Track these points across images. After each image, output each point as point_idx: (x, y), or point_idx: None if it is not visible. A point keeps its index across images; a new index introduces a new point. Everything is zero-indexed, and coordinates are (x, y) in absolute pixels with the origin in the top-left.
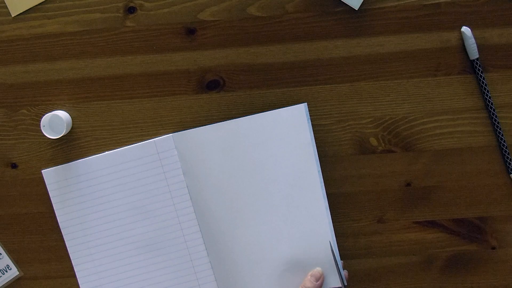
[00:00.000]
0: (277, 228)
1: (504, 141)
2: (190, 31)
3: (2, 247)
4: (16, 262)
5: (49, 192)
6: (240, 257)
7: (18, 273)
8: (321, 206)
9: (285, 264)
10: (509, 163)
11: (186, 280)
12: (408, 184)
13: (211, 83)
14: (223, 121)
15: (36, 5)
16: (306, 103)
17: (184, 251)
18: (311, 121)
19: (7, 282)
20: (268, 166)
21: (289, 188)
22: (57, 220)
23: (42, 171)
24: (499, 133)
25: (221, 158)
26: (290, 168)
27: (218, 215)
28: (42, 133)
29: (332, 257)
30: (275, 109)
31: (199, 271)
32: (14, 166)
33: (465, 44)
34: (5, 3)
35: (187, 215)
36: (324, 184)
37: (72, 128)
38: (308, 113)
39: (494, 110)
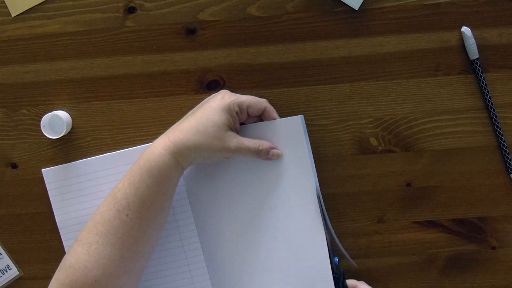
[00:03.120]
0: (273, 238)
1: (504, 141)
2: (190, 31)
3: (2, 247)
4: (16, 262)
5: (48, 192)
6: (237, 265)
7: (18, 273)
8: (317, 217)
9: (281, 273)
10: (509, 163)
11: (182, 284)
12: (408, 184)
13: (211, 83)
14: None
15: (36, 5)
16: (302, 115)
17: (182, 255)
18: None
19: (7, 282)
20: (266, 177)
21: (285, 199)
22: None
23: (42, 170)
24: (499, 133)
25: (219, 165)
26: (286, 179)
27: (217, 222)
28: (42, 133)
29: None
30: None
31: (195, 276)
32: (14, 166)
33: (465, 44)
34: (5, 3)
35: (186, 219)
36: (324, 184)
37: (72, 128)
38: (304, 124)
39: (494, 110)
